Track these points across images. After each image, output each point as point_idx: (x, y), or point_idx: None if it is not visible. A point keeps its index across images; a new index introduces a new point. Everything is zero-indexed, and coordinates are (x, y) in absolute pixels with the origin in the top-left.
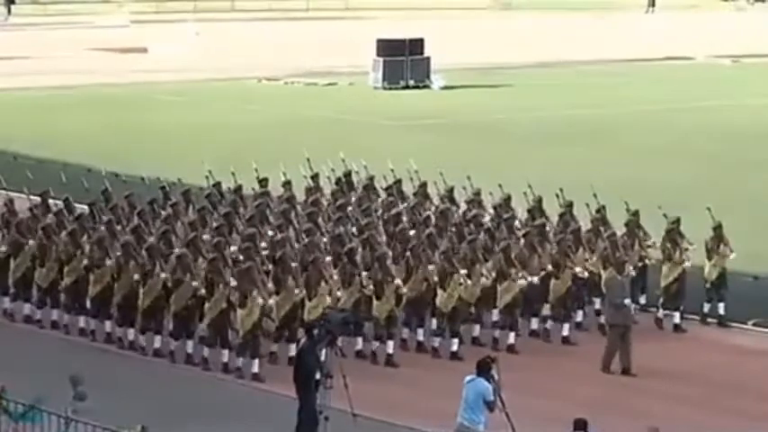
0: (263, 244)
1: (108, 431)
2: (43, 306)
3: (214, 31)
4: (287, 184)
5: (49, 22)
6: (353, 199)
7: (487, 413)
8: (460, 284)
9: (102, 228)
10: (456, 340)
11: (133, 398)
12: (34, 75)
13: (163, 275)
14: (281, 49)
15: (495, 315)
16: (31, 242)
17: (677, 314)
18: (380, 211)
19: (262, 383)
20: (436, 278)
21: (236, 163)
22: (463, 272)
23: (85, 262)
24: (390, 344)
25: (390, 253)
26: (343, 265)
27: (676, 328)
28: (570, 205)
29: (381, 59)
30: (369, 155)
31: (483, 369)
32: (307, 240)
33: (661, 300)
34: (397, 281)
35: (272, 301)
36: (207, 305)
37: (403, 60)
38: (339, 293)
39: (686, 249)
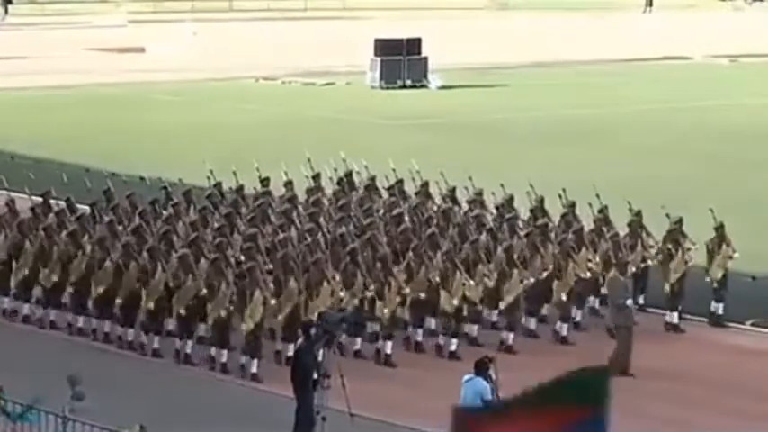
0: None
1: (106, 431)
2: (48, 306)
3: (212, 30)
4: (288, 184)
5: (46, 21)
6: (355, 199)
7: None
8: (463, 285)
9: (104, 227)
10: (455, 340)
11: (132, 397)
12: (32, 74)
13: (164, 276)
14: (278, 48)
15: (495, 315)
16: (29, 242)
17: (675, 314)
18: (382, 212)
19: (260, 384)
20: (438, 279)
21: (235, 163)
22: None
23: (86, 262)
24: (389, 344)
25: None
26: (345, 266)
27: (675, 328)
28: (573, 205)
29: (379, 59)
30: (366, 154)
31: (481, 369)
32: (309, 240)
33: (678, 303)
34: (400, 281)
35: (273, 302)
36: (209, 306)
37: (400, 60)
38: (341, 294)
39: (688, 249)
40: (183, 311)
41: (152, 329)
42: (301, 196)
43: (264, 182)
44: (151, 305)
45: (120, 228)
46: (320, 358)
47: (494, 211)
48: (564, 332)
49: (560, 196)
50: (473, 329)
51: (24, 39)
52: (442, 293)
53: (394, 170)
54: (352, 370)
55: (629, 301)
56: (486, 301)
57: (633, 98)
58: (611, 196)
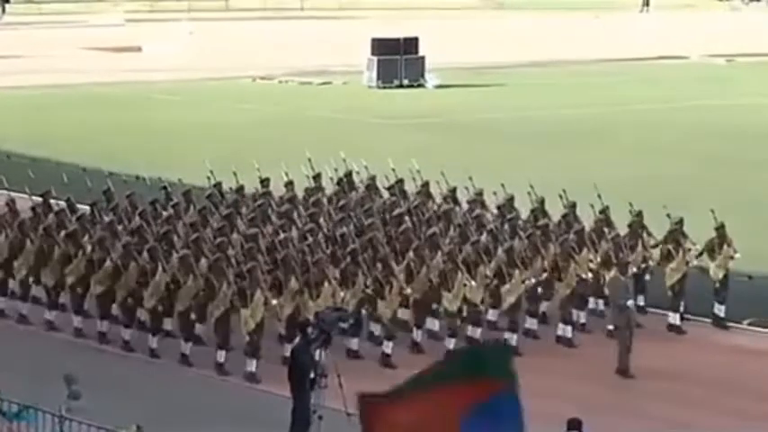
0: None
1: (103, 430)
2: (52, 307)
3: (208, 30)
4: (289, 184)
5: (43, 20)
6: (355, 199)
7: None
8: (465, 285)
9: (104, 227)
10: (454, 340)
11: (129, 397)
12: (28, 74)
13: (164, 276)
14: (275, 48)
15: (494, 315)
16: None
17: (676, 315)
18: (383, 212)
19: (258, 383)
20: (438, 279)
21: (234, 162)
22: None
23: (86, 262)
24: (390, 344)
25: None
26: (346, 266)
27: (676, 329)
28: (573, 206)
29: (376, 58)
30: (364, 154)
31: None
32: (309, 241)
33: (679, 303)
34: (401, 281)
35: (275, 302)
36: (209, 306)
37: (397, 59)
38: (342, 294)
39: (689, 250)
40: (184, 311)
41: (152, 330)
42: (301, 196)
43: (264, 182)
44: (151, 305)
45: (120, 228)
46: (317, 358)
47: (495, 212)
48: (568, 334)
49: (561, 197)
50: (476, 332)
51: (21, 38)
52: (444, 294)
53: (393, 170)
54: (350, 370)
55: (631, 302)
56: (487, 302)
57: (629, 98)
58: (611, 196)
